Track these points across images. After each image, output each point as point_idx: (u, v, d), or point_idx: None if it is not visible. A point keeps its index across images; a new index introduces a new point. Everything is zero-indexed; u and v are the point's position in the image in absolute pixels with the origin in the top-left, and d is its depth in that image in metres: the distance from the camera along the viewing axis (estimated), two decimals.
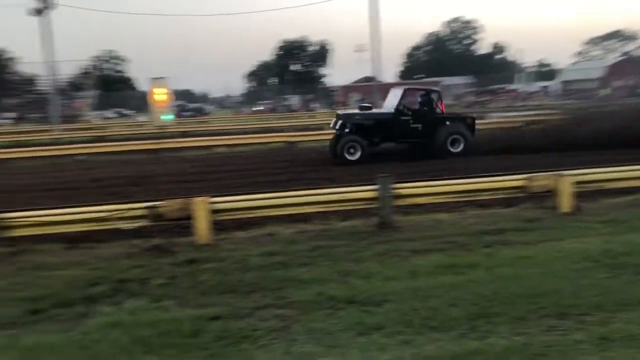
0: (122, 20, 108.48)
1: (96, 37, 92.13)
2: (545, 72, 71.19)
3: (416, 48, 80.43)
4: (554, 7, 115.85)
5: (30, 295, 5.13)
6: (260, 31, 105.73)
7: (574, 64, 72.28)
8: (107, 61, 64.93)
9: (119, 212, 6.89)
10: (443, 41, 79.00)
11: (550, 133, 15.00)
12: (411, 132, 14.73)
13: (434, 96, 15.38)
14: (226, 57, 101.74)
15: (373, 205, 7.30)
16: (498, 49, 79.59)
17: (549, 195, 7.68)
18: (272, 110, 50.55)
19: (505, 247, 6.03)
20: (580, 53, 79.82)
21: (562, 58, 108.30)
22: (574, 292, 4.62)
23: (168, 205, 6.91)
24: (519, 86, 57.31)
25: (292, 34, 76.40)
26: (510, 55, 77.93)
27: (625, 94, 42.17)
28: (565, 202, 7.50)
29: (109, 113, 46.94)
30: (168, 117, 32.11)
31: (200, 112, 51.71)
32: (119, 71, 66.12)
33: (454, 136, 14.67)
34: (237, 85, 69.83)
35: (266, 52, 78.12)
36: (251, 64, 74.98)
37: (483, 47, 78.98)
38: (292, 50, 71.26)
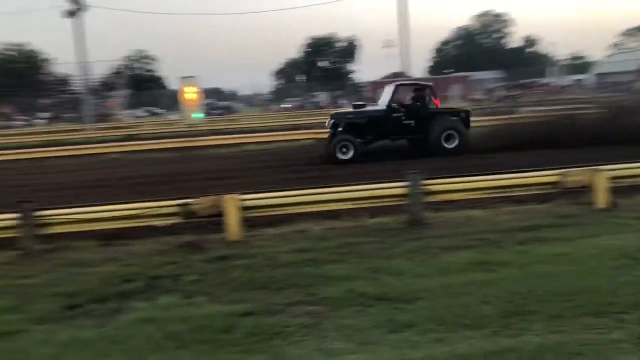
0: (152, 20, 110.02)
1: (127, 38, 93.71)
2: (579, 65, 69.70)
3: (445, 43, 79.63)
4: None
5: (67, 291, 5.24)
6: (288, 29, 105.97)
7: (609, 56, 70.45)
8: (138, 61, 65.95)
9: (151, 209, 6.99)
10: (473, 35, 78.03)
11: (581, 127, 14.60)
12: (404, 128, 14.48)
13: (426, 91, 15.10)
14: (255, 55, 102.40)
15: (403, 202, 7.25)
16: (530, 42, 78.28)
17: (584, 191, 7.51)
18: (301, 107, 50.64)
19: (540, 244, 5.93)
20: (616, 45, 77.84)
21: (597, 50, 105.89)
22: (611, 290, 4.51)
23: (200, 203, 6.99)
24: (551, 80, 56.23)
25: (320, 31, 76.31)
26: (542, 48, 76.60)
27: None
28: (601, 198, 7.33)
29: (140, 112, 47.67)
30: (198, 116, 32.46)
31: (229, 110, 52.12)
32: (150, 70, 67.11)
33: (449, 132, 14.28)
34: (266, 83, 70.07)
35: (294, 50, 78.27)
36: (279, 61, 75.16)
37: (514, 41, 77.81)
38: (320, 47, 71.24)
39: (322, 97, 57.05)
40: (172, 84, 55.78)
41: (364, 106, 15.96)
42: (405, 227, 6.98)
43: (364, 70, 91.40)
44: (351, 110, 15.54)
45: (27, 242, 6.59)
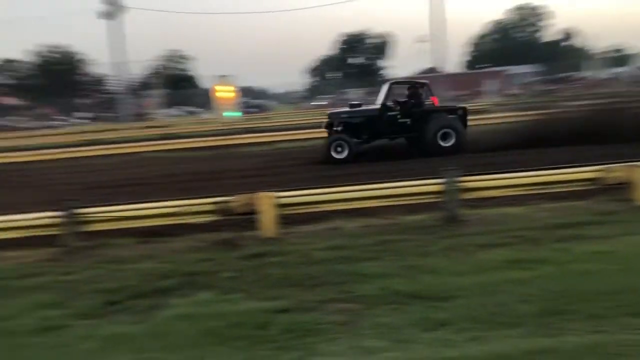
0: (186, 20, 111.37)
1: (162, 37, 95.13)
2: (618, 58, 67.70)
3: (480, 37, 78.36)
4: None
5: (107, 287, 5.38)
6: (321, 26, 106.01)
7: None
8: (172, 60, 66.91)
9: (188, 207, 7.11)
10: (509, 29, 76.57)
11: (618, 121, 14.14)
12: (400, 127, 14.27)
13: (422, 89, 14.85)
14: (287, 53, 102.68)
15: (439, 199, 7.19)
16: (567, 35, 76.38)
17: (622, 187, 7.32)
18: (334, 104, 50.59)
19: (579, 242, 5.80)
20: None
21: (638, 42, 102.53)
22: None
23: (235, 200, 7.07)
24: (589, 73, 54.80)
25: (354, 28, 76.08)
26: (580, 41, 74.65)
27: None
28: None
29: (175, 111, 48.40)
30: (235, 114, 32.76)
31: (262, 108, 52.46)
32: (184, 70, 68.00)
33: (445, 130, 13.95)
34: (299, 81, 70.20)
35: (327, 47, 78.26)
36: (312, 59, 75.29)
37: (552, 33, 76.00)
38: (353, 44, 71.06)
39: (356, 93, 56.89)
40: (206, 82, 56.44)
41: (359, 105, 15.83)
42: (440, 224, 6.93)
43: (397, 66, 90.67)
44: (346, 109, 15.43)
45: (68, 239, 6.78)
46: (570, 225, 6.45)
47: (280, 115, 38.54)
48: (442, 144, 13.91)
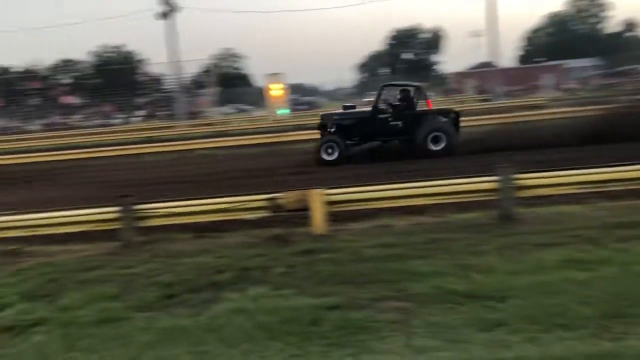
0: (239, 19, 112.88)
1: (216, 36, 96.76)
2: None
3: (536, 30, 76.12)
4: None
5: (164, 280, 5.53)
6: (371, 22, 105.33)
7: None
8: (226, 59, 67.99)
9: (241, 203, 7.22)
10: (566, 21, 74.06)
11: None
12: (391, 129, 14.11)
13: (414, 92, 14.72)
14: (338, 49, 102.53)
15: (492, 197, 7.04)
16: (630, 26, 73.18)
17: None
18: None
19: None
20: None
21: None
22: None
23: (286, 197, 7.13)
24: None
25: (405, 23, 75.32)
26: None
27: None
28: None
29: (228, 109, 49.18)
30: (284, 111, 33.05)
31: (313, 105, 52.62)
32: (237, 68, 68.98)
33: (435, 133, 13.74)
34: (349, 77, 70.00)
35: (378, 43, 77.73)
36: (362, 55, 74.92)
37: (612, 25, 73.03)
38: (404, 39, 70.37)
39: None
40: (258, 80, 57.10)
41: (353, 107, 15.84)
42: (494, 222, 6.78)
43: (449, 61, 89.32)
44: (339, 111, 15.42)
45: (127, 234, 7.01)
46: (630, 224, 6.18)
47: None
48: (432, 147, 13.77)
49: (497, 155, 11.17)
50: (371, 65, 73.26)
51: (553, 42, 70.29)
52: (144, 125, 37.67)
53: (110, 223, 7.09)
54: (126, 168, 17.12)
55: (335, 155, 13.98)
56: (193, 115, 40.30)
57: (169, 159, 18.78)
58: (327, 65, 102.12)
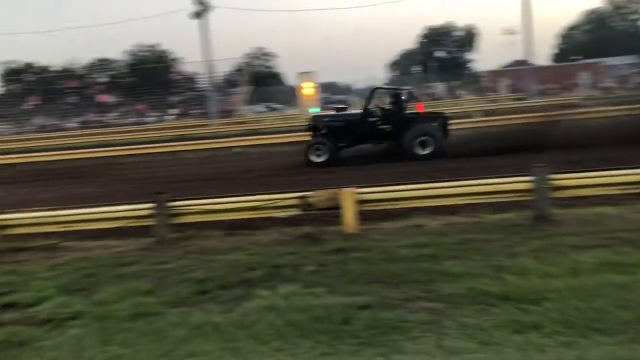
0: (271, 17, 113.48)
1: (248, 35, 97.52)
2: None
3: (572, 27, 74.49)
4: None
5: (197, 277, 5.59)
6: (403, 20, 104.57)
7: None
8: (258, 58, 68.43)
9: (273, 201, 7.26)
10: (605, 18, 72.26)
11: None
12: (380, 133, 14.26)
13: (404, 96, 14.77)
14: (370, 48, 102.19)
15: (527, 198, 6.92)
16: None
17: None
18: (416, 99, 49.81)
19: None
20: None
21: None
22: None
23: (317, 195, 7.14)
24: None
25: (437, 21, 74.58)
26: None
27: None
28: None
29: (260, 107, 49.48)
30: (315, 110, 33.06)
31: (344, 103, 52.49)
32: (269, 67, 69.37)
33: (423, 137, 13.82)
34: (380, 76, 69.71)
35: (410, 41, 77.18)
36: (394, 53, 74.47)
37: None
38: (436, 37, 69.71)
39: (439, 87, 55.82)
40: (289, 79, 57.34)
41: (345, 109, 15.98)
42: (529, 223, 6.66)
43: (482, 59, 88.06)
44: (330, 113, 15.61)
45: (161, 230, 7.12)
46: None
47: None
48: (419, 151, 13.83)
49: (533, 154, 10.99)
50: (403, 64, 72.76)
51: (590, 39, 68.66)
52: (177, 123, 38.20)
53: (145, 219, 7.20)
54: (160, 165, 17.40)
55: (324, 157, 14.16)
56: (225, 113, 40.66)
57: (202, 156, 19.01)
58: (359, 63, 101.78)
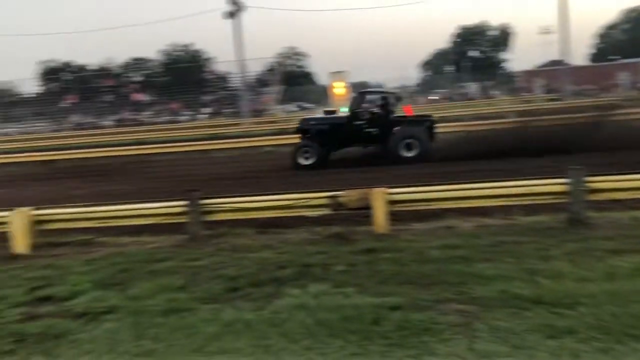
0: (303, 17, 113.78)
1: (280, 35, 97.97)
2: None
3: (611, 27, 72.75)
4: None
5: (228, 274, 5.65)
6: (437, 19, 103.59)
7: None
8: (289, 57, 68.72)
9: (303, 200, 7.29)
10: None
11: None
12: (366, 136, 14.46)
13: (390, 99, 14.88)
14: (402, 47, 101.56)
15: (561, 200, 6.79)
16: None
17: None
18: (449, 98, 49.38)
19: None
20: None
21: None
22: None
23: (348, 195, 7.14)
24: None
25: (471, 20, 73.69)
26: None
27: None
28: None
29: (291, 107, 49.65)
30: (344, 109, 33.00)
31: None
32: (301, 66, 69.61)
33: (408, 140, 14.00)
34: (413, 75, 69.18)
35: (443, 40, 76.47)
36: (427, 52, 73.93)
37: None
38: (470, 37, 68.91)
39: (472, 87, 55.14)
40: (321, 79, 57.44)
41: (334, 112, 16.17)
42: (564, 226, 6.54)
43: (517, 59, 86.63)
44: (318, 116, 16.00)
45: (193, 227, 7.21)
46: None
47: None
48: (404, 154, 13.96)
49: (568, 156, 10.79)
50: (436, 63, 72.14)
51: (629, 39, 66.90)
52: (209, 122, 38.62)
53: (178, 217, 7.30)
54: (192, 164, 17.63)
55: (312, 160, 14.38)
56: (257, 112, 40.93)
57: (233, 155, 19.19)
58: (391, 63, 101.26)
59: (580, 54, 68.91)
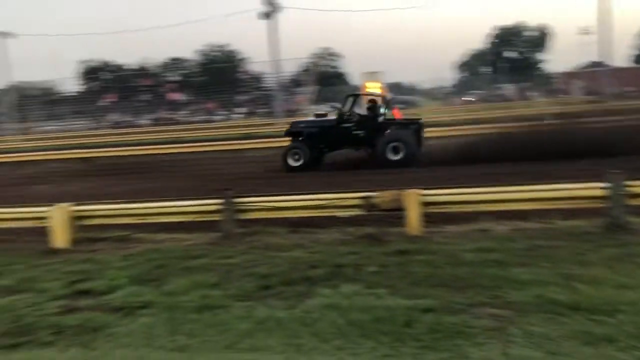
0: (337, 18, 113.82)
1: (315, 35, 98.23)
2: None
3: None
4: None
5: (261, 272, 5.70)
6: (472, 19, 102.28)
7: None
8: (324, 58, 68.79)
9: (336, 200, 7.29)
10: None
11: None
12: (354, 139, 14.54)
13: (379, 102, 14.92)
14: (437, 47, 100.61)
15: (600, 205, 6.63)
16: None
17: None
18: (485, 100, 48.75)
19: None
20: None
21: None
22: None
23: (381, 196, 7.11)
24: None
25: (508, 21, 72.55)
26: None
27: None
28: None
29: (324, 107, 49.71)
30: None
31: (409, 104, 51.98)
32: (334, 67, 69.59)
33: (394, 143, 13.97)
34: (448, 76, 68.36)
35: (479, 41, 75.42)
36: (462, 53, 72.96)
37: None
38: (507, 37, 67.82)
39: (509, 89, 54.28)
40: (355, 79, 57.30)
41: (325, 115, 16.26)
42: (602, 231, 6.38)
43: (556, 60, 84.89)
44: (307, 119, 16.29)
45: (227, 225, 7.29)
46: None
47: (428, 112, 37.92)
48: (391, 157, 13.92)
49: (606, 160, 10.52)
50: (472, 64, 71.21)
51: None
52: (244, 122, 39.00)
53: (212, 215, 7.40)
54: (226, 162, 17.80)
55: (302, 162, 14.54)
56: (291, 113, 41.16)
57: (267, 155, 19.29)
58: (426, 63, 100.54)
59: (621, 55, 67.07)
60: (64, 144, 27.82)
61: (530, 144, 13.10)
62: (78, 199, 8.57)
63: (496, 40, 68.54)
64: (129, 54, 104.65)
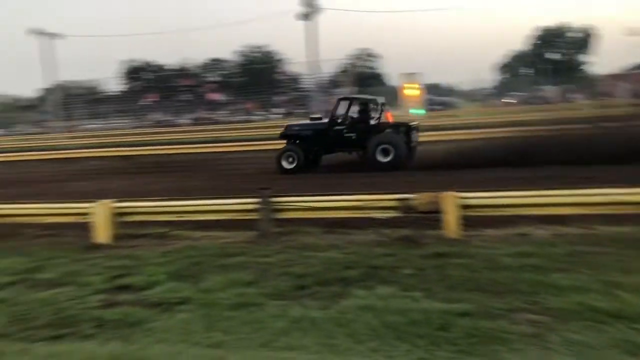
0: (376, 18, 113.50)
1: (353, 36, 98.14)
2: None
3: None
4: None
5: (296, 271, 5.72)
6: (513, 20, 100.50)
7: None
8: (362, 58, 68.63)
9: (372, 202, 7.27)
10: None
11: None
12: (345, 141, 14.74)
13: (370, 105, 15.27)
14: (477, 49, 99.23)
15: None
16: None
17: None
18: (526, 102, 47.80)
19: None
20: None
21: None
22: None
23: (418, 198, 7.05)
24: None
25: (552, 21, 71.00)
26: None
27: None
28: None
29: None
30: (419, 112, 32.59)
31: (448, 105, 51.42)
32: (372, 67, 69.36)
33: (383, 145, 14.15)
34: (488, 77, 67.28)
35: (520, 42, 73.98)
36: (503, 54, 71.70)
37: None
38: (549, 38, 66.38)
39: (551, 91, 53.09)
40: (393, 80, 56.99)
41: (320, 119, 16.47)
42: None
43: (601, 62, 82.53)
44: (301, 122, 16.77)
45: (264, 224, 7.35)
46: None
47: (467, 113, 37.46)
48: (380, 159, 14.06)
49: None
50: (513, 66, 69.94)
51: None
52: (281, 122, 39.17)
53: (249, 213, 7.47)
54: (264, 162, 17.91)
55: (295, 164, 14.77)
56: (328, 113, 41.22)
57: None
58: (466, 65, 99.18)
59: None
60: (107, 142, 28.53)
61: (558, 148, 12.85)
62: (120, 195, 8.76)
63: (538, 42, 67.20)
64: (170, 54, 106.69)
